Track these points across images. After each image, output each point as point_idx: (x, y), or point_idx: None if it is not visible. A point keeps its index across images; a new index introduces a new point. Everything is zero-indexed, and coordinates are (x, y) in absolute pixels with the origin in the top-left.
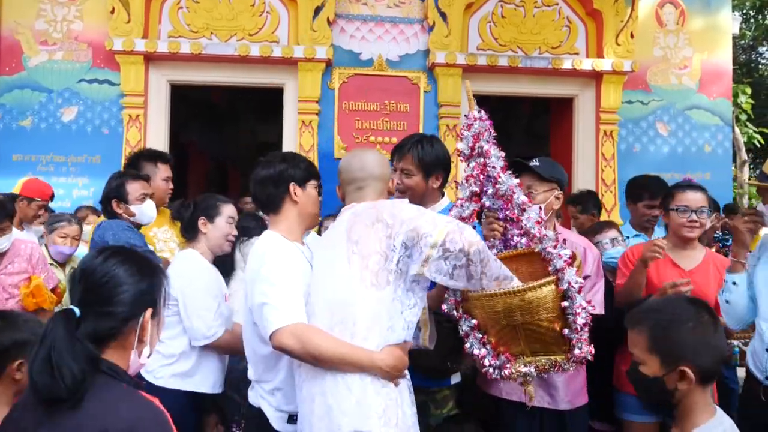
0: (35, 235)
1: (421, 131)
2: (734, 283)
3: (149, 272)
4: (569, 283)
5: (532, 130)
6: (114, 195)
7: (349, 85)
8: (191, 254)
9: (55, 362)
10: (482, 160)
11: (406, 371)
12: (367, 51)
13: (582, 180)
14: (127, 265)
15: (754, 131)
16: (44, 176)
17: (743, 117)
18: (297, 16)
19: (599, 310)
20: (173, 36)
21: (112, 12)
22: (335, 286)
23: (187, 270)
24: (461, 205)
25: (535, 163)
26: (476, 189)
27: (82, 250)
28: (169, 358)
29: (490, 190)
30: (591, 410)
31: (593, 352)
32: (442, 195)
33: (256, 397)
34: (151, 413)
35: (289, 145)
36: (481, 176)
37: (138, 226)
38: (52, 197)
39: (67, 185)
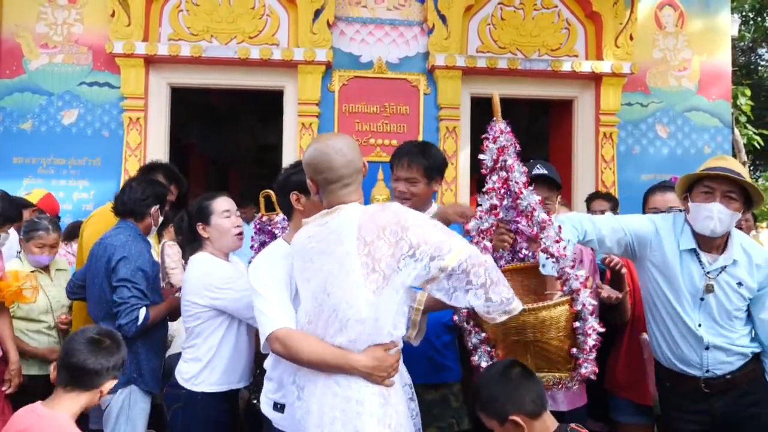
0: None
1: (420, 133)
2: None
3: None
4: (583, 304)
5: (531, 132)
6: (159, 202)
7: (349, 87)
8: (203, 257)
9: None
10: (505, 174)
11: (401, 367)
12: (366, 53)
13: (582, 182)
14: None
15: (754, 133)
16: (45, 179)
17: (743, 119)
18: (297, 19)
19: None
20: (173, 39)
21: (113, 15)
22: (331, 285)
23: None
24: (480, 218)
25: (542, 171)
26: (496, 202)
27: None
28: (202, 362)
29: (505, 202)
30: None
31: (597, 371)
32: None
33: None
34: None
35: (289, 147)
36: (503, 190)
37: (148, 233)
38: (58, 217)
39: (68, 188)
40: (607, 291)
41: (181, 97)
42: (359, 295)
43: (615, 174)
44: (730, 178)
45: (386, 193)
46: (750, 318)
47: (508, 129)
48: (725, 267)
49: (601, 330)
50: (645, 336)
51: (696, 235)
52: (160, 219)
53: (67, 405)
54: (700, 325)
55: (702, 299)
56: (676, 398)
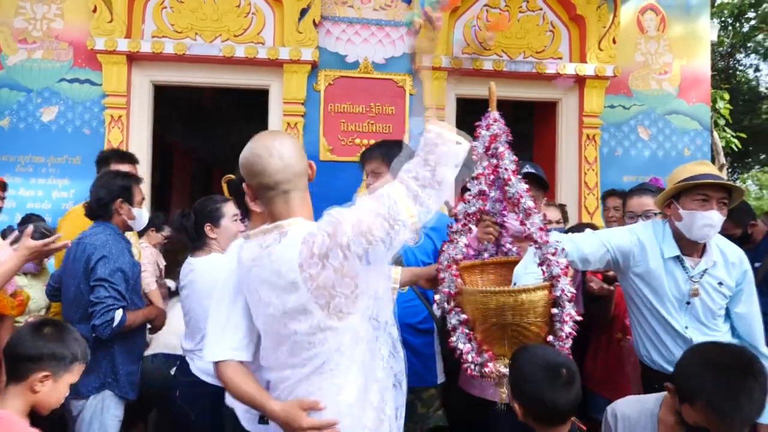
0: None
1: (406, 134)
2: None
3: None
4: (562, 290)
5: (516, 133)
6: (120, 194)
7: (334, 87)
8: (218, 260)
9: None
10: (495, 161)
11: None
12: (353, 53)
13: (565, 183)
14: None
15: (732, 136)
16: (23, 177)
17: (721, 122)
18: (282, 18)
19: (579, 308)
20: (157, 36)
21: (94, 11)
22: (284, 316)
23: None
24: (468, 201)
25: (529, 170)
26: (485, 188)
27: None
28: None
29: (493, 194)
30: None
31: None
32: None
33: (230, 398)
34: None
35: None
36: (492, 176)
37: (126, 230)
38: (4, 187)
39: (47, 186)
40: (597, 283)
41: (164, 94)
42: (317, 325)
43: (598, 175)
44: (724, 185)
45: None
46: (728, 315)
47: (502, 120)
48: (707, 269)
49: (578, 318)
50: (628, 340)
51: (678, 241)
52: (134, 211)
53: (8, 402)
54: (687, 328)
55: (688, 303)
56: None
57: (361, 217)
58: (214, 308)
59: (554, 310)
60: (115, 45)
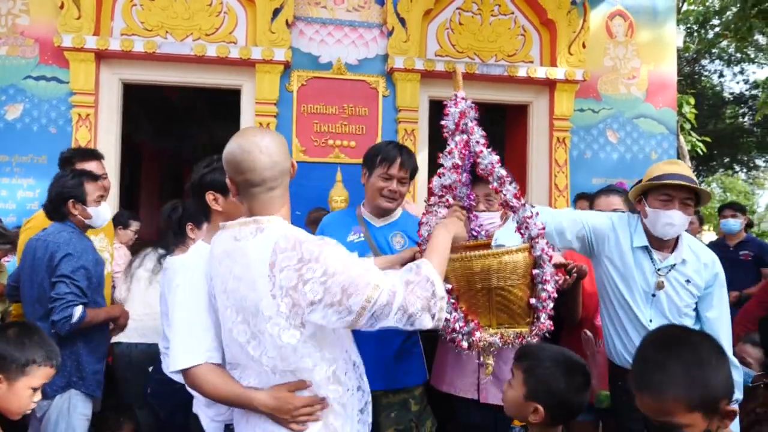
0: None
1: (379, 135)
2: None
3: None
4: (542, 250)
5: (488, 135)
6: (70, 195)
7: (307, 87)
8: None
9: None
10: (465, 136)
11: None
12: (326, 54)
13: (536, 185)
14: None
15: (697, 140)
16: None
17: (687, 126)
18: (255, 18)
19: None
20: (126, 34)
21: (61, 7)
22: (250, 315)
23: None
24: (443, 174)
25: None
26: (458, 161)
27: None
28: None
29: (463, 178)
30: None
31: (552, 328)
32: None
33: (197, 406)
34: None
35: None
36: (464, 151)
37: (85, 229)
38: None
39: (11, 186)
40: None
41: (134, 93)
42: (274, 326)
43: (568, 178)
44: (688, 187)
45: (345, 194)
46: (699, 318)
47: (469, 99)
48: (674, 265)
49: (559, 279)
50: (587, 333)
51: (649, 234)
52: (89, 209)
53: None
54: (651, 321)
55: (654, 295)
56: (629, 397)
57: (346, 272)
58: (179, 314)
59: (535, 271)
60: (83, 42)
